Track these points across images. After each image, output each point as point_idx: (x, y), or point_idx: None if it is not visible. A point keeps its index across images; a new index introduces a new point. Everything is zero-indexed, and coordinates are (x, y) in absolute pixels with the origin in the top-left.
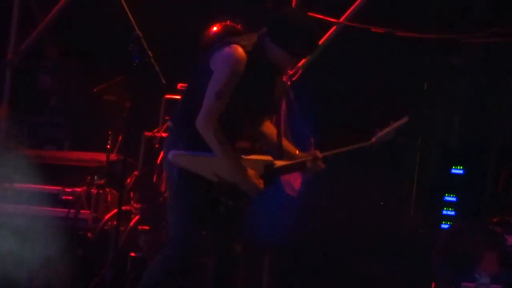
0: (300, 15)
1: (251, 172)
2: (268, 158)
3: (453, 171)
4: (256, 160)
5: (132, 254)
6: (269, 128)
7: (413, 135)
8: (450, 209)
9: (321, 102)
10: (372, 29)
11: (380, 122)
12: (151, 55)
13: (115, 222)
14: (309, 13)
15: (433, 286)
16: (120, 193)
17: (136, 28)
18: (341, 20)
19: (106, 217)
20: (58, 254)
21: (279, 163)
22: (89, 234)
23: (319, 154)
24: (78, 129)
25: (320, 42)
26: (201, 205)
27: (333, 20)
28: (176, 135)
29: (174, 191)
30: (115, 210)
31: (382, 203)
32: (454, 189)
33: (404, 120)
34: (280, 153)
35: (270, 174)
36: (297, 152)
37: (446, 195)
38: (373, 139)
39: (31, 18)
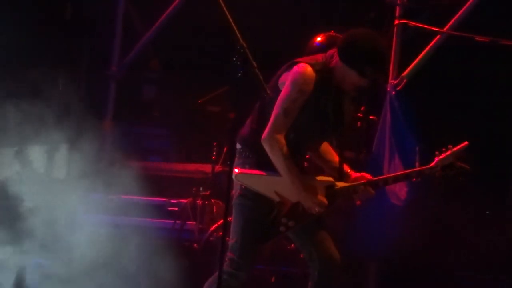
0: (371, 36)
1: (313, 189)
2: (329, 179)
3: None
4: (318, 181)
5: None
6: (329, 151)
7: None
8: None
9: (425, 112)
10: (476, 38)
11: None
12: (255, 65)
13: (220, 233)
14: (414, 23)
15: None
16: (226, 204)
17: (240, 38)
18: (445, 29)
19: (212, 228)
20: (165, 265)
21: (340, 184)
22: (195, 245)
23: (370, 178)
24: (183, 140)
25: (425, 52)
26: (258, 225)
27: (437, 29)
28: (244, 156)
29: (235, 209)
30: (221, 221)
31: (487, 212)
32: None
33: (464, 145)
34: (341, 176)
35: (331, 195)
36: (349, 172)
37: None
38: (433, 163)
39: (135, 31)
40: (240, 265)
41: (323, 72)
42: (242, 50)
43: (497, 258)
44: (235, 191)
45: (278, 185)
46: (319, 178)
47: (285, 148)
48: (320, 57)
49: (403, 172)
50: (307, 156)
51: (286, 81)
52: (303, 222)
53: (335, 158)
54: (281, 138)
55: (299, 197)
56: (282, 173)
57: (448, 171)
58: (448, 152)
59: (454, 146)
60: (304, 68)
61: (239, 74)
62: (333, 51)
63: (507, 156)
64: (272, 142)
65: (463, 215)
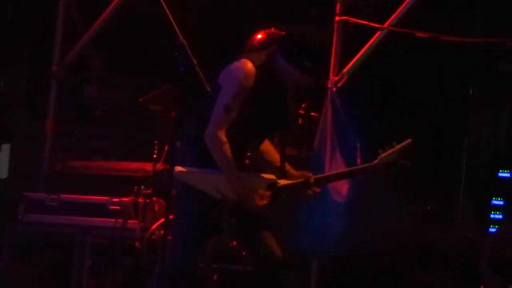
0: (312, 33)
1: (255, 186)
2: (272, 177)
3: (500, 174)
4: (260, 178)
5: None
6: (270, 149)
7: (460, 140)
8: (497, 213)
9: (367, 108)
10: (416, 34)
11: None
12: (195, 62)
13: (162, 232)
14: (354, 19)
15: None
16: (167, 202)
17: (180, 36)
18: (385, 25)
19: (154, 227)
20: (106, 264)
21: (282, 182)
22: (136, 244)
23: (312, 177)
24: (125, 139)
25: (365, 48)
26: (200, 222)
27: (377, 25)
28: (184, 154)
29: (177, 207)
30: (163, 220)
31: (429, 208)
32: (501, 192)
33: (408, 142)
34: (284, 174)
35: (273, 193)
36: (293, 172)
37: (494, 199)
38: (376, 161)
39: (75, 30)
40: (182, 263)
41: (264, 69)
42: (182, 48)
43: (437, 251)
44: (177, 189)
45: (220, 183)
46: (261, 175)
47: (226, 146)
48: (260, 54)
49: (346, 169)
50: (249, 154)
51: (226, 77)
52: (245, 219)
53: (277, 157)
54: (222, 135)
55: (240, 195)
56: (223, 171)
57: (391, 169)
58: (391, 150)
59: (398, 143)
60: (245, 63)
61: (180, 72)
62: (274, 48)
63: (449, 152)
64: (214, 139)
65: (406, 212)
